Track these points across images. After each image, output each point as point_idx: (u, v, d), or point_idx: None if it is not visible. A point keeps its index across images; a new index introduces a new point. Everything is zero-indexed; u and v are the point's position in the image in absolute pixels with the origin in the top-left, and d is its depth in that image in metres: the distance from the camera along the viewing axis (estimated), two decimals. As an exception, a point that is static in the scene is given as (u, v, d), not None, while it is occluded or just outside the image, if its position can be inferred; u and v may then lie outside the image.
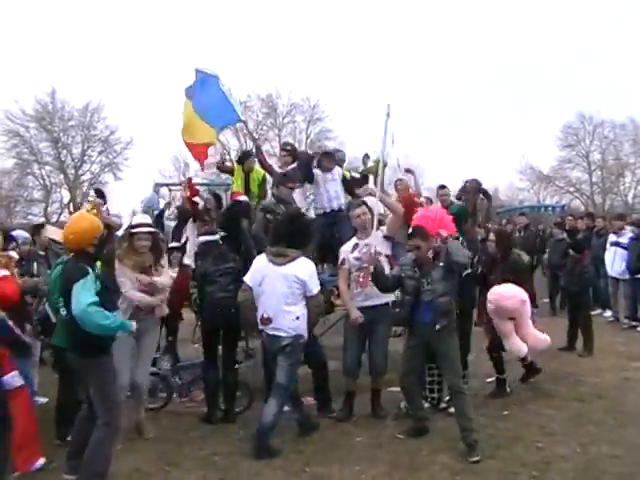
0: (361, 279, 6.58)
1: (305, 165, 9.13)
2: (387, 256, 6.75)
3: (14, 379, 5.48)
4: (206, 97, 9.01)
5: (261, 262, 6.16)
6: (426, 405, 6.85)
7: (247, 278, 6.13)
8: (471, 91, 60.78)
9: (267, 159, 9.74)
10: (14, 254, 6.46)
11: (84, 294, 4.76)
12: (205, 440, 6.25)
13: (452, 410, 6.50)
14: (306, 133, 42.34)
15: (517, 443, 5.87)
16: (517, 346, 7.19)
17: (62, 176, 39.88)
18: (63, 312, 5.02)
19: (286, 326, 5.94)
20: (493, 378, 7.56)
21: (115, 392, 5.22)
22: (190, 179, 10.11)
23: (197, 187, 9.92)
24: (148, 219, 6.63)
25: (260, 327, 6.09)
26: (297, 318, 5.96)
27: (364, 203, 6.98)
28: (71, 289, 4.82)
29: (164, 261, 6.47)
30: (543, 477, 5.15)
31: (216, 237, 7.12)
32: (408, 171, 9.55)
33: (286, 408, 6.92)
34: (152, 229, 6.35)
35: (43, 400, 7.31)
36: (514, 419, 6.57)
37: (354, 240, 6.87)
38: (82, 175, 40.61)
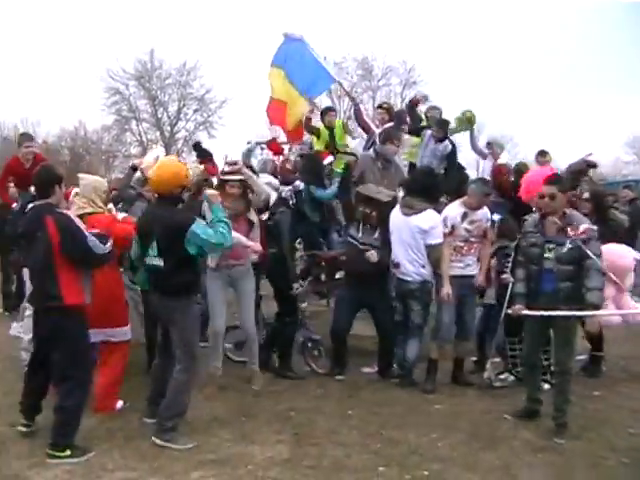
0: (463, 251, 6.48)
1: (400, 120, 9.05)
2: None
3: (127, 333, 5.71)
4: (298, 65, 8.87)
5: (395, 211, 6.64)
6: (510, 378, 6.65)
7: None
8: (575, 63, 58.13)
9: (365, 117, 9.65)
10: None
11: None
12: (283, 395, 6.26)
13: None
14: (401, 97, 41.48)
15: (606, 426, 5.55)
16: (609, 317, 6.52)
17: (158, 133, 40.80)
18: (154, 259, 5.01)
19: (413, 272, 6.48)
20: (584, 356, 7.17)
21: (197, 338, 5.27)
22: (274, 139, 10.03)
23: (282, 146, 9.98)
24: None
25: (392, 270, 6.65)
26: (422, 266, 6.47)
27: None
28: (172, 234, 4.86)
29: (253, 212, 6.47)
30: (635, 465, 4.83)
31: None
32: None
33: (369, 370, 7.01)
34: (243, 177, 6.34)
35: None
36: (605, 401, 6.23)
37: (461, 207, 6.54)
38: (177, 133, 41.45)
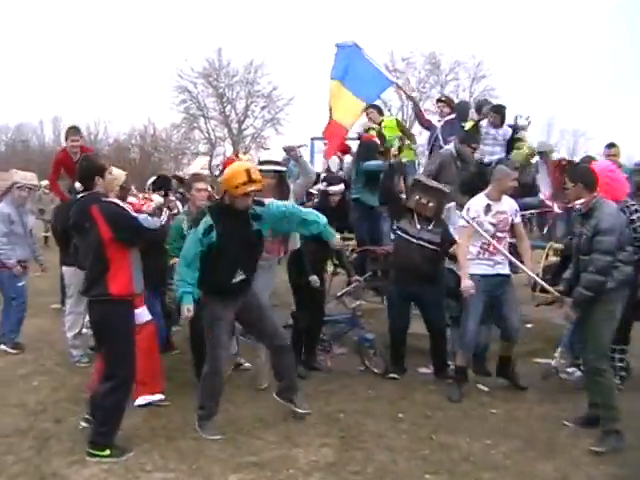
0: (491, 248, 6.00)
1: (463, 114, 8.85)
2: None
3: (142, 315, 5.55)
4: (356, 73, 8.64)
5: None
6: (577, 373, 6.24)
7: None
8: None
9: (424, 114, 9.46)
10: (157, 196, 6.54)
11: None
12: (332, 396, 6.06)
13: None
14: (470, 91, 40.77)
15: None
16: None
17: (226, 130, 41.34)
18: None
19: None
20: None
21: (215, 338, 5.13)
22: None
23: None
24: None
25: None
26: None
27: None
28: None
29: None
30: None
31: None
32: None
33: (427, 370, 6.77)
34: (278, 168, 6.19)
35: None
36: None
37: (484, 199, 6.12)
38: (245, 130, 41.85)
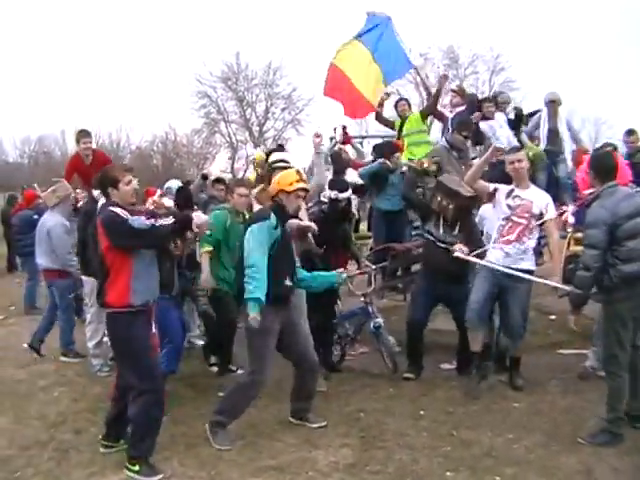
0: (504, 232, 5.92)
1: (473, 106, 8.75)
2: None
3: None
4: (386, 49, 8.56)
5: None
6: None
7: None
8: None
9: (439, 107, 9.37)
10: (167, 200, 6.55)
11: None
12: (353, 395, 6.01)
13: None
14: (489, 84, 40.36)
15: None
16: None
17: (247, 133, 41.34)
18: None
19: None
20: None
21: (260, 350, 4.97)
22: (345, 127, 9.85)
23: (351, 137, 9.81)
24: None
25: None
26: None
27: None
28: None
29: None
30: None
31: None
32: None
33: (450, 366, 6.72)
34: (290, 164, 6.15)
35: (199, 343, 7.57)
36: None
37: (511, 185, 6.04)
38: (266, 132, 41.85)
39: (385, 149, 8.32)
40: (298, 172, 5.04)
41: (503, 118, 8.53)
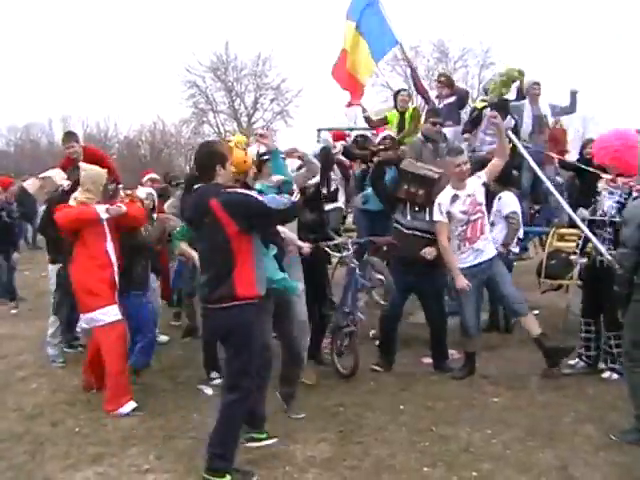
0: (469, 234, 6.03)
1: (462, 102, 8.67)
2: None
3: (108, 313, 5.41)
4: (369, 21, 8.47)
5: None
6: (580, 364, 6.21)
7: None
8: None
9: (423, 84, 9.29)
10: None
11: None
12: (333, 390, 5.98)
13: (606, 375, 5.84)
14: (479, 78, 40.32)
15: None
16: None
17: (236, 124, 41.19)
18: None
19: None
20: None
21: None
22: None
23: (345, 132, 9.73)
24: None
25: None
26: None
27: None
28: None
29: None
30: None
31: None
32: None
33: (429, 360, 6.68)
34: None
35: (164, 338, 7.62)
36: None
37: (450, 191, 6.12)
38: (254, 123, 41.67)
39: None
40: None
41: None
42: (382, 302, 6.21)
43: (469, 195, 6.04)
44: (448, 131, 8.09)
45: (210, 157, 4.22)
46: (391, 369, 6.50)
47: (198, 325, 7.22)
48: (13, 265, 10.18)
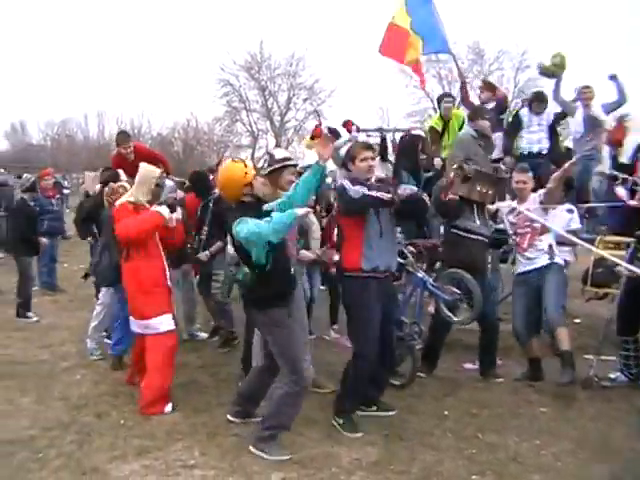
0: (519, 242, 6.25)
1: (502, 107, 8.63)
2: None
3: (163, 323, 5.41)
4: (421, 18, 8.40)
5: None
6: (622, 377, 6.11)
7: None
8: None
9: (471, 99, 9.36)
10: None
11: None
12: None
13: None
14: (514, 81, 39.99)
15: None
16: None
17: (268, 123, 41.43)
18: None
19: None
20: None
21: (298, 349, 4.62)
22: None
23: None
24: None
25: None
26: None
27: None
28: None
29: None
30: None
31: None
32: None
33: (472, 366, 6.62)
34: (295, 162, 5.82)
35: (203, 335, 7.61)
36: None
37: (511, 202, 6.35)
38: (287, 122, 41.85)
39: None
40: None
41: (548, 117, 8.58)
42: (454, 318, 5.98)
43: (522, 211, 6.11)
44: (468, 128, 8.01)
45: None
46: (432, 374, 6.42)
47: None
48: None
